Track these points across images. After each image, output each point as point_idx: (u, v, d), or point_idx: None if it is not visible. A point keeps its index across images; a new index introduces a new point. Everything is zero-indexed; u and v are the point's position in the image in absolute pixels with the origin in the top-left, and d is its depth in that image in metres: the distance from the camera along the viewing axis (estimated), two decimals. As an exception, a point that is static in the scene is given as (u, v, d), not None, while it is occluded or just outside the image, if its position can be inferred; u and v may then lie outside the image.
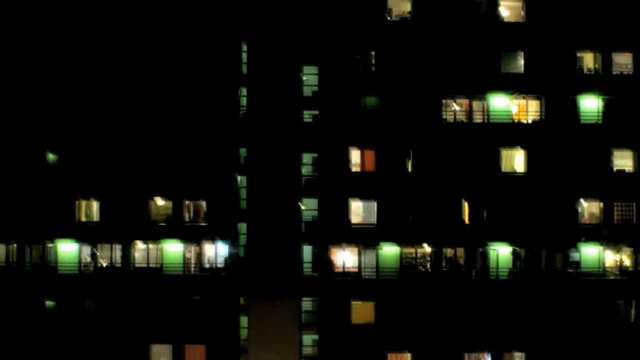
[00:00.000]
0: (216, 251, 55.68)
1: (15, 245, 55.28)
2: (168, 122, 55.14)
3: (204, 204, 55.62)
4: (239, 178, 56.06)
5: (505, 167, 56.03)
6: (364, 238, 55.11)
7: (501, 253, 55.39)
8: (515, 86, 55.78)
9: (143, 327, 54.84)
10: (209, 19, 55.49)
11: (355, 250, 55.40)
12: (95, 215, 55.48)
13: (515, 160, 56.18)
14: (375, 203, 55.41)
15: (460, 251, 55.63)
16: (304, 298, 55.87)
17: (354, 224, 55.50)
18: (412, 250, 55.52)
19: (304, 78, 56.57)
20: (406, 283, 55.03)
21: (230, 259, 55.40)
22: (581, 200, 55.92)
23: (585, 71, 56.77)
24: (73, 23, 55.45)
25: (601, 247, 55.46)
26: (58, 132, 55.33)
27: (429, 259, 55.55)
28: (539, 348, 54.85)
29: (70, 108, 55.25)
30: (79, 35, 55.41)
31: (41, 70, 55.43)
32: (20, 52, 55.49)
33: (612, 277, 55.70)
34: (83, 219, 55.52)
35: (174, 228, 55.21)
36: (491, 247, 55.29)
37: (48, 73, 55.42)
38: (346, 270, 55.34)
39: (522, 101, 56.31)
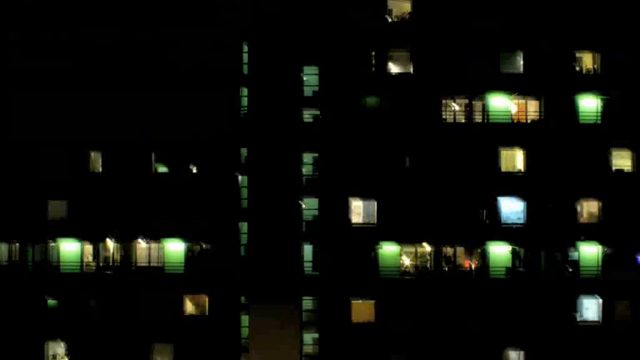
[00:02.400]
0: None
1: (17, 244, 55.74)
2: (169, 122, 55.38)
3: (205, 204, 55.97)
4: (240, 177, 56.32)
5: (505, 167, 56.24)
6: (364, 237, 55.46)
7: (500, 252, 55.62)
8: (514, 86, 56.00)
9: (143, 325, 55.07)
10: (209, 19, 55.73)
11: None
12: (97, 214, 55.75)
13: (515, 159, 56.37)
14: (375, 202, 55.66)
15: (460, 250, 55.88)
16: (305, 297, 56.11)
17: (354, 224, 55.76)
18: (412, 249, 55.76)
19: (305, 78, 56.82)
20: (406, 282, 55.24)
21: (231, 258, 55.65)
22: (581, 199, 56.15)
23: (584, 71, 56.99)
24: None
25: (600, 246, 55.62)
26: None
27: (428, 257, 55.78)
28: (539, 347, 55.06)
29: (70, 109, 55.76)
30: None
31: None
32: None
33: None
34: (85, 219, 55.84)
35: (175, 227, 55.43)
36: (491, 246, 55.54)
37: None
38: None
39: (522, 101, 56.51)
